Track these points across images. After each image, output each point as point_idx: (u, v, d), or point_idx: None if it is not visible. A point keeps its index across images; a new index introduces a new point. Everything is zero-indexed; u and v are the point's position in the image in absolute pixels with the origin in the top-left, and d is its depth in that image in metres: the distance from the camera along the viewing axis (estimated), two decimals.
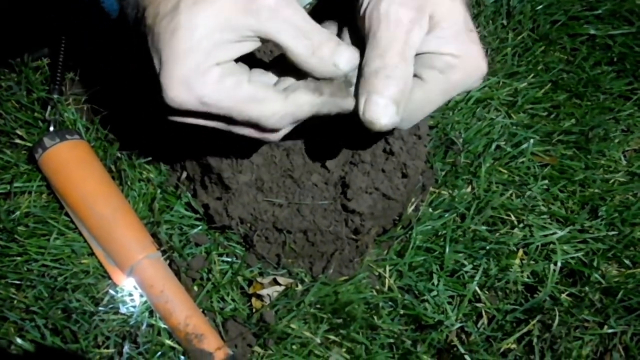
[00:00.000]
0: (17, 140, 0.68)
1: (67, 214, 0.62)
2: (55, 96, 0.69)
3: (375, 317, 0.61)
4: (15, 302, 0.59)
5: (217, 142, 0.57)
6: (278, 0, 0.39)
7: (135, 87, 0.67)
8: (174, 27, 0.39)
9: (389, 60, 0.41)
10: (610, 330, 0.65)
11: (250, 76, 0.43)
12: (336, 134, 0.57)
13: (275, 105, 0.42)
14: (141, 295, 0.59)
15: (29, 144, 0.67)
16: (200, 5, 0.39)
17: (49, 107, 0.68)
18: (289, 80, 0.45)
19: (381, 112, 0.41)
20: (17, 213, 0.62)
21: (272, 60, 0.49)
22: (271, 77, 0.46)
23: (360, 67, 0.43)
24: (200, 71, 0.39)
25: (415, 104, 0.44)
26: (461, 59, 0.43)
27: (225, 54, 0.40)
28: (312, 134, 0.57)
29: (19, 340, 0.56)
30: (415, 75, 0.44)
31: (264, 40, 0.41)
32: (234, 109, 0.41)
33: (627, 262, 0.70)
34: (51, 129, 0.67)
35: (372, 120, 0.42)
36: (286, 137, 0.47)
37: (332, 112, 0.45)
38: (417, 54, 0.43)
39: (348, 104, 0.45)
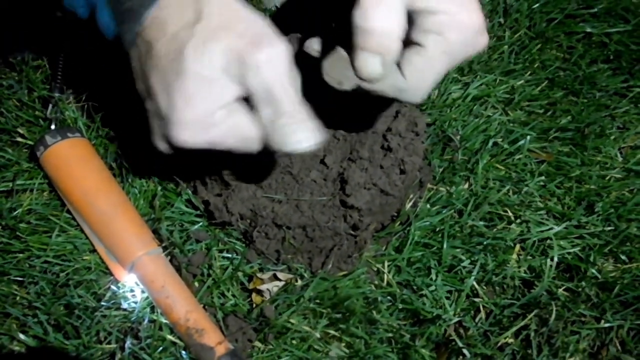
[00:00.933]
0: (19, 139, 0.68)
1: (68, 211, 0.63)
2: (56, 94, 0.70)
3: (374, 312, 0.62)
4: (17, 298, 0.59)
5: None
6: (271, 57, 0.40)
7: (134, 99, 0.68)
8: (181, 69, 0.40)
9: (371, 15, 0.41)
10: (606, 325, 0.65)
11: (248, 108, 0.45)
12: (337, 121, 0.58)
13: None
14: (142, 291, 0.60)
15: (30, 142, 0.68)
16: (207, 46, 0.40)
17: (50, 106, 0.69)
18: None
19: (366, 64, 0.43)
20: (19, 210, 0.63)
21: None
22: None
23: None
24: (208, 116, 0.41)
25: (419, 72, 0.44)
26: (454, 16, 0.42)
27: (229, 95, 0.42)
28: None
29: (21, 336, 0.57)
30: (414, 43, 0.44)
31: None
32: (237, 146, 0.44)
33: (623, 257, 0.71)
34: (52, 127, 0.67)
35: (359, 70, 0.44)
36: None
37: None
38: (412, 14, 0.43)
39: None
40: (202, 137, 0.42)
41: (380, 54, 0.42)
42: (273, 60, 0.40)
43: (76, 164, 0.63)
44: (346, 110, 0.58)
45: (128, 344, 0.56)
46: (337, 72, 0.46)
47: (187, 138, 0.42)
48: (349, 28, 0.43)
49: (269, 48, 0.40)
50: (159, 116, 0.44)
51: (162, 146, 0.46)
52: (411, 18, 0.44)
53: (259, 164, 0.58)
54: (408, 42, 0.45)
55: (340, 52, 0.46)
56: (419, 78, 0.45)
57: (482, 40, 0.45)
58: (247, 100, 0.44)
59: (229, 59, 0.40)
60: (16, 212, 0.63)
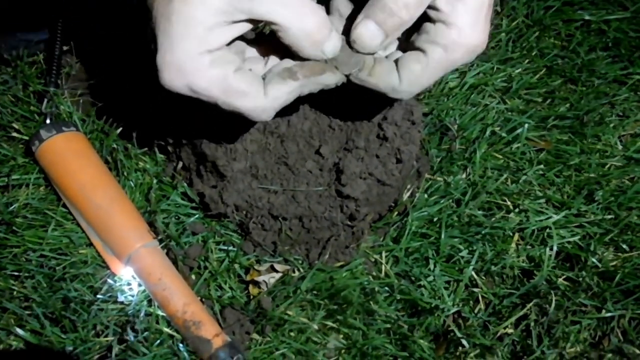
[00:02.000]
0: (14, 134, 0.68)
1: (64, 205, 0.63)
2: (52, 89, 0.69)
3: (371, 303, 0.61)
4: (14, 292, 0.59)
5: (212, 129, 0.57)
6: None
7: (141, 69, 0.67)
8: (169, 11, 0.40)
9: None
10: (607, 314, 0.65)
11: (240, 62, 0.44)
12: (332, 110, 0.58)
13: (257, 100, 0.44)
14: (139, 284, 0.60)
15: (25, 137, 0.68)
16: None
17: (45, 100, 0.69)
18: (274, 61, 0.46)
19: (369, 35, 0.44)
20: (16, 205, 0.63)
21: (258, 35, 0.50)
22: (259, 59, 0.48)
23: None
24: (191, 58, 0.41)
25: (414, 77, 0.45)
26: (465, 37, 0.43)
27: (218, 39, 0.41)
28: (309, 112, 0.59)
29: (19, 331, 0.57)
30: (418, 49, 0.45)
31: (255, 22, 0.42)
32: (219, 99, 0.43)
33: (624, 246, 0.70)
34: (47, 121, 0.67)
35: (356, 39, 0.45)
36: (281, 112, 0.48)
37: (314, 90, 0.46)
38: (426, 17, 0.44)
39: (329, 79, 0.46)
40: (183, 80, 0.42)
41: (387, 34, 0.44)
42: None
43: (72, 158, 0.63)
44: (344, 98, 0.58)
45: (130, 336, 0.56)
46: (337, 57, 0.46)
47: (170, 79, 0.42)
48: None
49: None
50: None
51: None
52: (418, 24, 0.44)
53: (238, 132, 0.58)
54: (410, 46, 0.46)
55: (343, 39, 0.47)
56: (413, 82, 0.46)
57: (474, 57, 0.46)
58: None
59: None
60: (12, 207, 0.63)
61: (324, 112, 0.60)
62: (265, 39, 0.48)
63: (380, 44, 0.45)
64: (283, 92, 0.44)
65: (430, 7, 0.43)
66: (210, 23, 0.40)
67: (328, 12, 0.50)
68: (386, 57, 0.49)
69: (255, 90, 0.44)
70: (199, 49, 0.41)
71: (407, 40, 0.47)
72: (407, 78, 0.45)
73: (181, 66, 0.41)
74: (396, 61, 0.47)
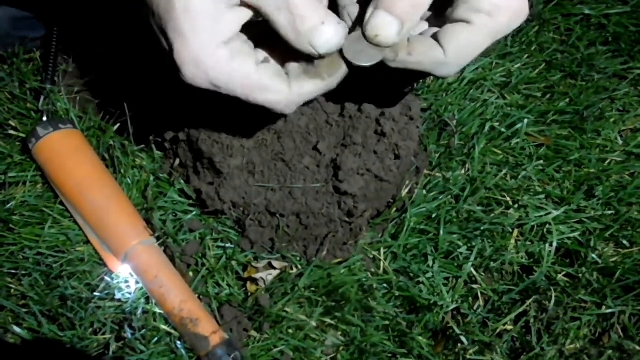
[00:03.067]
0: (11, 131, 0.68)
1: (61, 203, 0.63)
2: (48, 86, 0.69)
3: (370, 300, 0.61)
4: (11, 290, 0.59)
5: (209, 126, 0.57)
6: None
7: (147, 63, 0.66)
8: (171, 6, 0.39)
9: None
10: (608, 311, 0.64)
11: (257, 57, 0.44)
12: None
13: (281, 95, 0.43)
14: (137, 282, 0.59)
15: (22, 135, 0.67)
16: None
17: (42, 98, 0.68)
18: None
19: (382, 25, 0.42)
20: (12, 203, 0.62)
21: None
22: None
23: None
24: (209, 53, 0.40)
25: (462, 47, 0.44)
26: (508, 1, 0.43)
27: (227, 27, 0.41)
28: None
29: (16, 329, 0.57)
30: (459, 20, 0.44)
31: (254, 10, 0.41)
32: (241, 94, 0.43)
33: (624, 242, 0.70)
34: (44, 118, 0.67)
35: (371, 32, 0.43)
36: None
37: (334, 87, 0.46)
38: None
39: (344, 71, 0.45)
40: (204, 76, 0.41)
41: (400, 22, 0.42)
42: None
43: (68, 155, 0.62)
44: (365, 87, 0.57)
45: (128, 334, 0.56)
46: (357, 48, 0.44)
47: (190, 77, 0.41)
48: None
49: None
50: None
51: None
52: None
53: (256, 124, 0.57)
54: (451, 19, 0.45)
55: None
56: (461, 53, 0.44)
57: (521, 23, 0.45)
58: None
59: None
60: (9, 205, 0.62)
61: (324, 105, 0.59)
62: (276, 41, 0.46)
63: (398, 33, 0.42)
64: (308, 90, 0.44)
65: None
66: (213, 12, 0.39)
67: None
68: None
69: (278, 85, 0.43)
70: (214, 41, 0.40)
71: (441, 18, 0.46)
72: (453, 49, 0.44)
73: (200, 61, 0.40)
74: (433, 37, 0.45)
